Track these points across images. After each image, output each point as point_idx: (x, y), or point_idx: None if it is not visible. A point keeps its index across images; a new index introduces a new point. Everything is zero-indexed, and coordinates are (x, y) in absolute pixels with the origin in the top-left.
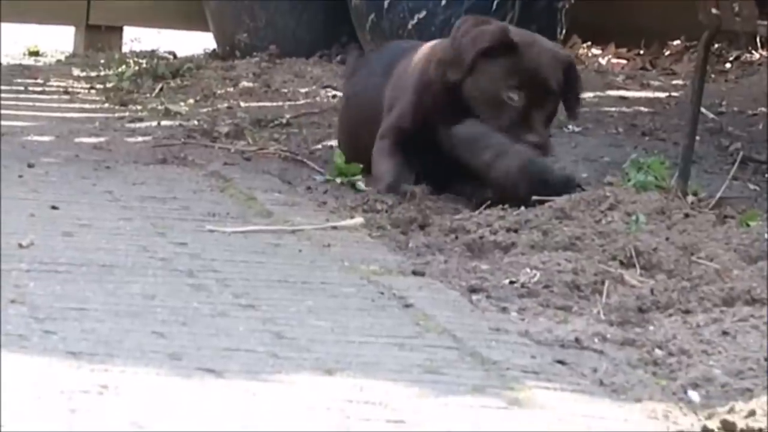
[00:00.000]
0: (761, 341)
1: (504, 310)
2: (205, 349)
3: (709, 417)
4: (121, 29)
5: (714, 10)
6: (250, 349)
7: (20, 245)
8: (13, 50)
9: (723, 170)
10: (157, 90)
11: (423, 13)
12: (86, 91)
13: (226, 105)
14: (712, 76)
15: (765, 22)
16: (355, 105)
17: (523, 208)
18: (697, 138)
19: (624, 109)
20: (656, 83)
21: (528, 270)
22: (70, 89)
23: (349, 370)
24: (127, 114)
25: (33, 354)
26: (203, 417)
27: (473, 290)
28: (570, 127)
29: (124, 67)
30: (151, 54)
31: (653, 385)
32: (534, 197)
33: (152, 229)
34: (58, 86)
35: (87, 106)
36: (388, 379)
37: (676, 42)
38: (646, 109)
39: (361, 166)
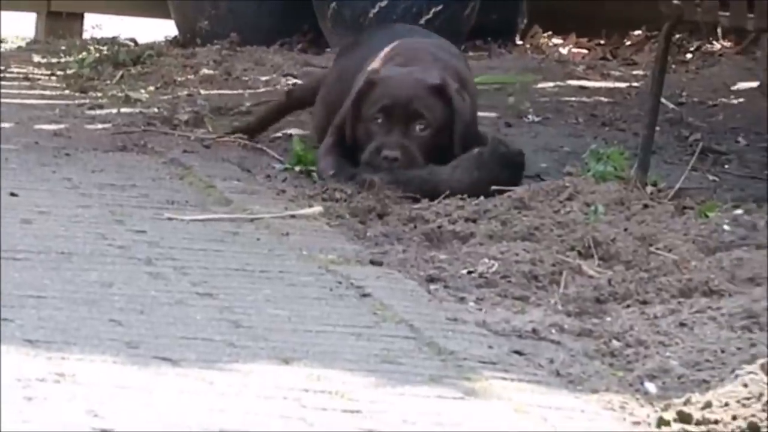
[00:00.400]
0: (718, 333)
1: (462, 300)
2: (163, 337)
3: (666, 408)
4: (82, 16)
5: (675, 1)
6: (208, 338)
7: None
8: None
9: (682, 161)
10: (117, 77)
11: (384, 2)
12: (47, 77)
13: (186, 92)
14: (673, 66)
15: (726, 13)
16: (343, 81)
17: (481, 197)
18: (657, 128)
19: (584, 99)
20: (617, 73)
21: (486, 260)
22: (30, 76)
23: (306, 360)
24: (87, 101)
25: None
26: (160, 405)
27: (431, 280)
28: (530, 117)
29: (84, 53)
30: (112, 41)
31: (610, 376)
32: (493, 186)
33: (111, 216)
34: (19, 72)
35: (47, 92)
36: (345, 368)
37: (637, 32)
38: (606, 99)
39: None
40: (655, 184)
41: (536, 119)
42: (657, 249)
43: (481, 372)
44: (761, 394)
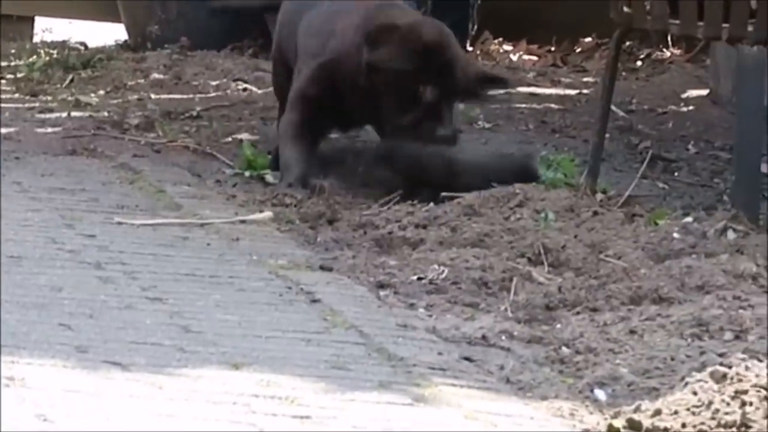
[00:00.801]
0: (668, 340)
1: (411, 306)
2: (112, 342)
3: (616, 416)
4: (32, 19)
5: (626, 8)
6: (157, 343)
7: None
8: None
9: (632, 168)
10: (67, 81)
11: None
12: None
13: (136, 97)
14: (623, 73)
15: (676, 21)
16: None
17: (432, 204)
18: (607, 136)
19: (535, 105)
20: (567, 80)
21: (436, 266)
22: None
23: (256, 365)
24: (37, 104)
25: None
26: (109, 409)
27: (381, 286)
28: (480, 123)
29: (34, 57)
30: (63, 45)
31: (560, 383)
32: (444, 193)
33: (61, 220)
34: None
35: None
36: (295, 374)
37: (588, 39)
38: (556, 106)
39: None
40: (605, 192)
41: (487, 126)
42: (607, 256)
43: (431, 378)
44: (710, 402)
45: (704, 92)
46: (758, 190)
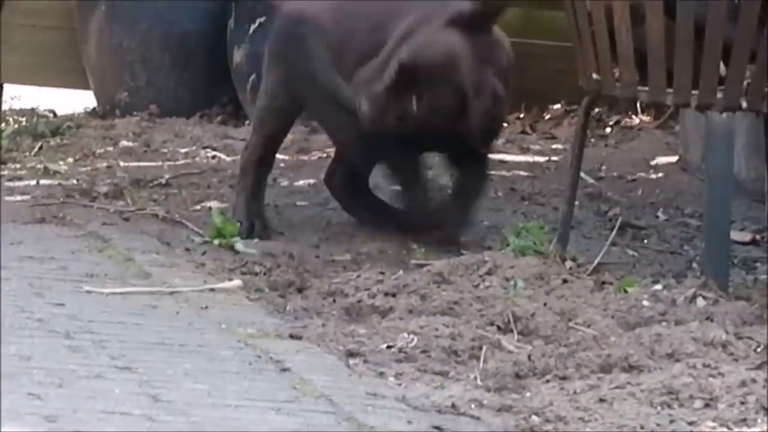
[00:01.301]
0: (638, 409)
1: (381, 374)
2: (81, 411)
3: None
4: (1, 86)
5: (595, 75)
6: (126, 412)
7: None
8: None
9: (602, 235)
10: (36, 148)
11: None
12: None
13: (105, 164)
14: (592, 140)
15: (645, 88)
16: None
17: (401, 272)
18: (577, 203)
19: (504, 173)
20: (536, 147)
21: (405, 335)
22: None
23: None
24: (5, 173)
25: None
26: None
27: (351, 354)
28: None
29: (3, 125)
30: (31, 112)
31: None
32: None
33: (30, 289)
34: None
35: None
36: None
37: (557, 106)
38: (525, 173)
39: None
40: (574, 259)
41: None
42: (576, 324)
43: None
44: None
45: (674, 159)
46: (727, 257)
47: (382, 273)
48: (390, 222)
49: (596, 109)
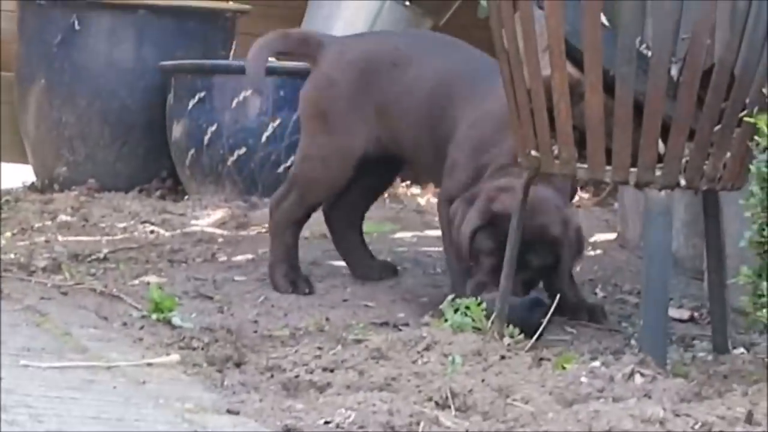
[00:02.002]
0: None
1: None
2: None
3: None
4: None
5: (533, 152)
6: None
7: None
8: None
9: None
10: None
11: (243, 150)
12: None
13: (43, 238)
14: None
15: (584, 165)
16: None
17: (339, 347)
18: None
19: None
20: None
21: (343, 410)
22: None
23: None
24: None
25: None
26: None
27: (288, 430)
28: None
29: None
30: None
31: None
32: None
33: None
34: None
35: None
36: None
37: None
38: None
39: (177, 299)
40: (512, 335)
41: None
42: (514, 400)
43: None
44: None
45: (612, 236)
46: (666, 334)
47: (320, 348)
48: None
49: None
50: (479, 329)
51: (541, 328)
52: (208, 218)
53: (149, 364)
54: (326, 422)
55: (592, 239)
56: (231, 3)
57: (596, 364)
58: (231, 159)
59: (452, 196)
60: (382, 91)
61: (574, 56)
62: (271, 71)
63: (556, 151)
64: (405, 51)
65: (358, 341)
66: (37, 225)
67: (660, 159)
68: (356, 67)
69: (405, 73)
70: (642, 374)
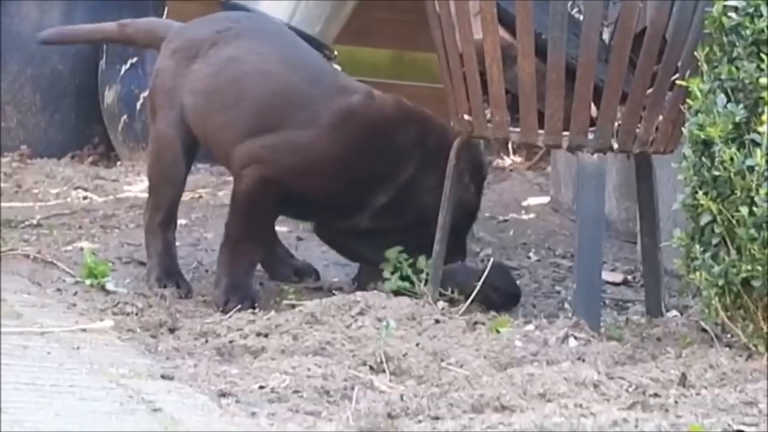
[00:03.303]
0: None
1: (253, 414)
2: None
3: None
4: None
5: (466, 116)
6: None
7: None
8: None
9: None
10: None
11: None
12: None
13: None
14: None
15: (517, 129)
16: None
17: (273, 312)
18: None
19: None
20: None
21: (278, 375)
22: None
23: None
24: None
25: None
26: None
27: (222, 395)
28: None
29: None
30: None
31: None
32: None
33: None
34: None
35: None
36: None
37: None
38: None
39: (110, 265)
40: (447, 299)
41: None
42: (449, 364)
43: None
44: None
45: (545, 200)
46: (599, 298)
47: (254, 313)
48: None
49: None
50: (414, 293)
51: (474, 293)
52: (140, 184)
53: (83, 330)
54: (261, 387)
55: (525, 203)
56: None
57: (530, 327)
58: None
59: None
60: (192, 76)
61: (506, 20)
62: None
63: (488, 115)
64: (225, 33)
65: (292, 306)
66: None
67: (592, 123)
68: (178, 54)
69: (216, 55)
70: (576, 337)
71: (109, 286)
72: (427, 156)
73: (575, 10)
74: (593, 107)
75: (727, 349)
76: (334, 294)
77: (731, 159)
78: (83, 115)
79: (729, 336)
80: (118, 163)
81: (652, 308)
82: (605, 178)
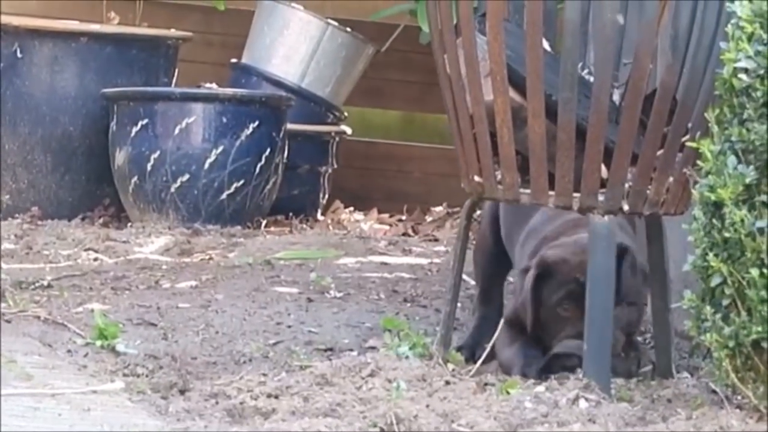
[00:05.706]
0: None
1: None
2: None
3: None
4: None
5: (476, 178)
6: None
7: None
8: None
9: None
10: None
11: (186, 177)
12: None
13: None
14: (474, 242)
15: (527, 190)
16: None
17: (284, 373)
18: (459, 305)
19: (386, 275)
20: (418, 249)
21: None
22: None
23: None
24: None
25: None
26: None
27: None
28: (332, 292)
29: None
30: None
31: None
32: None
33: None
34: None
35: None
36: None
37: (438, 208)
38: (408, 275)
39: (121, 326)
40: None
41: (338, 295)
42: (459, 425)
43: None
44: None
45: None
46: (609, 359)
47: (265, 375)
48: None
49: (478, 212)
50: (423, 355)
51: (484, 354)
52: (151, 245)
53: (94, 392)
54: None
55: None
56: (172, 30)
57: (540, 389)
58: (174, 186)
59: None
60: None
61: (517, 82)
62: (213, 98)
63: (499, 177)
64: None
65: (303, 367)
66: None
67: (603, 184)
68: None
69: None
70: (586, 399)
71: (120, 348)
72: None
73: (585, 71)
74: (604, 168)
75: (737, 410)
76: (344, 355)
77: (742, 221)
78: (94, 177)
79: (739, 398)
80: (129, 224)
81: (662, 369)
82: (616, 240)
